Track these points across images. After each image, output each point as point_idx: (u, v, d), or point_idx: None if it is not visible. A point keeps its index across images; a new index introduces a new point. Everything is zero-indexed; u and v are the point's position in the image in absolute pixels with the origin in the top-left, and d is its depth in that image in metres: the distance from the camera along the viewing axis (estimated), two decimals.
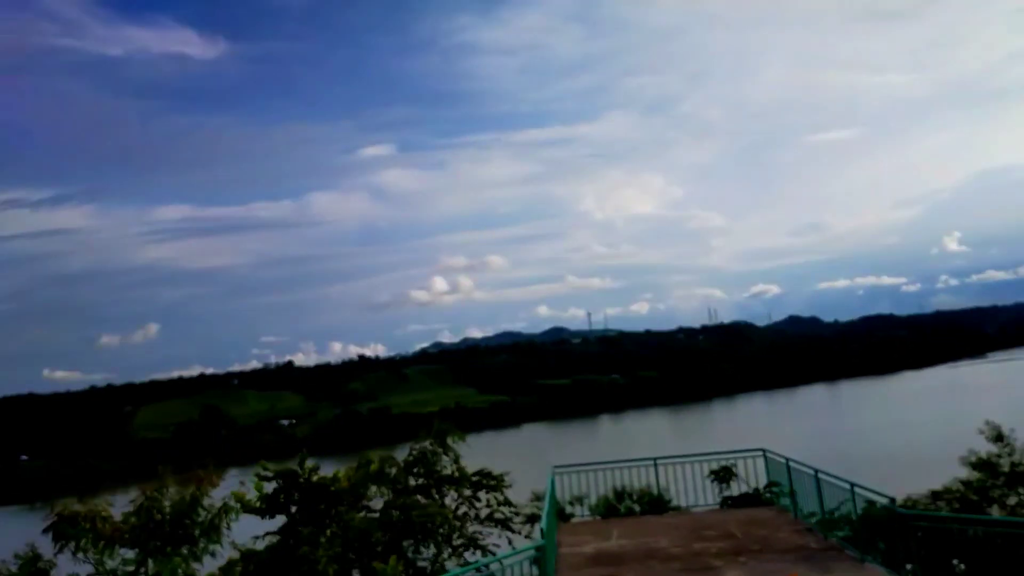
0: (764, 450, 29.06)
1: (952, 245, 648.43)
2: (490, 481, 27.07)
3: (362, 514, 24.72)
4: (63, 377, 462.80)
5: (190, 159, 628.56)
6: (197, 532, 20.23)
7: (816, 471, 23.26)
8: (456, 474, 26.75)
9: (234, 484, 23.47)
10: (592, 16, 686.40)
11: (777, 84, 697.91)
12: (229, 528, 21.43)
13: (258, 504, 22.45)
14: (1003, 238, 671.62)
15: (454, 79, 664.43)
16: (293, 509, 22.63)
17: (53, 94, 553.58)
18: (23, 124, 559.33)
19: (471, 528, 26.37)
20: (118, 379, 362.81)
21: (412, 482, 26.47)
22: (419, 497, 25.77)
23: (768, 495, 29.22)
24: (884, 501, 19.86)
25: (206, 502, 21.66)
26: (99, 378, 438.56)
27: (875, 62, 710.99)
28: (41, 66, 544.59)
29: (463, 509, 26.76)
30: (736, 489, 30.03)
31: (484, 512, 27.01)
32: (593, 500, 31.17)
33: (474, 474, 27.20)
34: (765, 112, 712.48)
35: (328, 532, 20.54)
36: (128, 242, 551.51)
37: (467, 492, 26.94)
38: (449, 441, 27.16)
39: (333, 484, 18.80)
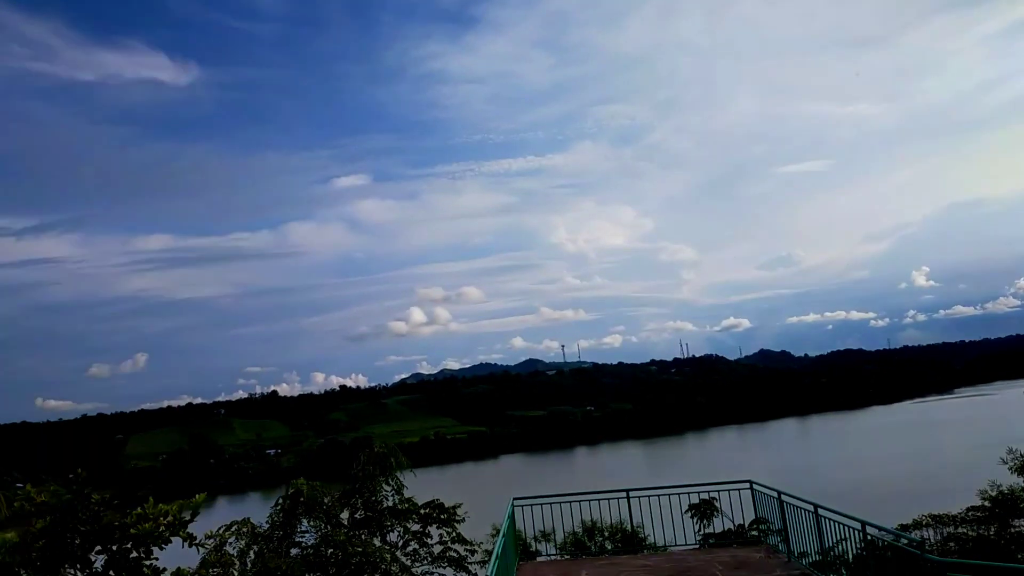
0: (752, 482, 24.96)
1: (921, 280, 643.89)
2: (441, 514, 23.00)
3: (295, 552, 20.69)
4: (55, 406, 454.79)
5: (168, 188, 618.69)
6: None
7: (816, 506, 19.39)
8: (401, 506, 22.64)
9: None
10: (560, 43, 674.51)
11: (747, 114, 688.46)
12: None
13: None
14: (971, 273, 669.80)
15: (425, 108, 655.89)
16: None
17: (29, 120, 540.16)
18: (2, 151, 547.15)
19: (420, 569, 22.32)
20: (109, 408, 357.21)
21: (351, 515, 22.41)
22: (361, 532, 21.72)
23: (755, 532, 25.31)
24: (889, 537, 16.87)
25: None
26: (90, 407, 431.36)
27: (845, 92, 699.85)
28: (15, 90, 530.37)
29: (412, 546, 22.70)
30: (720, 525, 26.17)
31: (437, 549, 22.98)
32: (561, 536, 27.09)
33: (423, 505, 23.21)
34: (735, 143, 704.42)
35: None
36: (113, 272, 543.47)
37: (415, 526, 22.89)
38: (396, 472, 23.04)
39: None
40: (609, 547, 27.97)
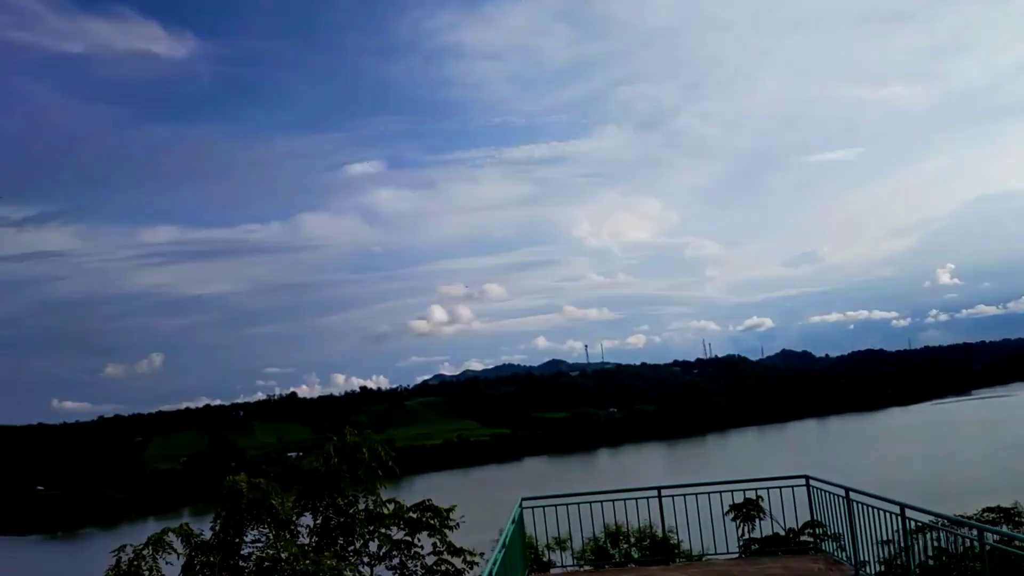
0: (808, 477, 20.49)
1: (945, 278, 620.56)
2: (432, 518, 18.58)
3: (245, 566, 16.36)
4: (72, 408, 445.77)
5: (172, 174, 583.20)
6: None
7: (903, 506, 15.10)
8: (378, 509, 18.20)
9: None
10: (581, 14, 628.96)
11: (776, 97, 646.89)
12: None
13: None
14: (995, 271, 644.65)
15: (441, 86, 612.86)
16: None
17: (20, 97, 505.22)
18: None
19: None
20: (126, 410, 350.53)
21: (321, 522, 18.00)
22: (331, 541, 17.34)
23: (808, 537, 21.02)
24: None
25: None
26: (108, 409, 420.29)
27: (878, 73, 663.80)
28: (2, 64, 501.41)
29: (396, 557, 18.31)
30: (768, 528, 21.84)
31: (430, 560, 18.63)
32: (579, 543, 22.76)
33: (412, 507, 18.85)
34: (763, 129, 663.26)
35: None
36: (120, 266, 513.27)
37: (400, 534, 18.50)
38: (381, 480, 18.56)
39: None
40: (636, 555, 23.84)
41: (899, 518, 15.42)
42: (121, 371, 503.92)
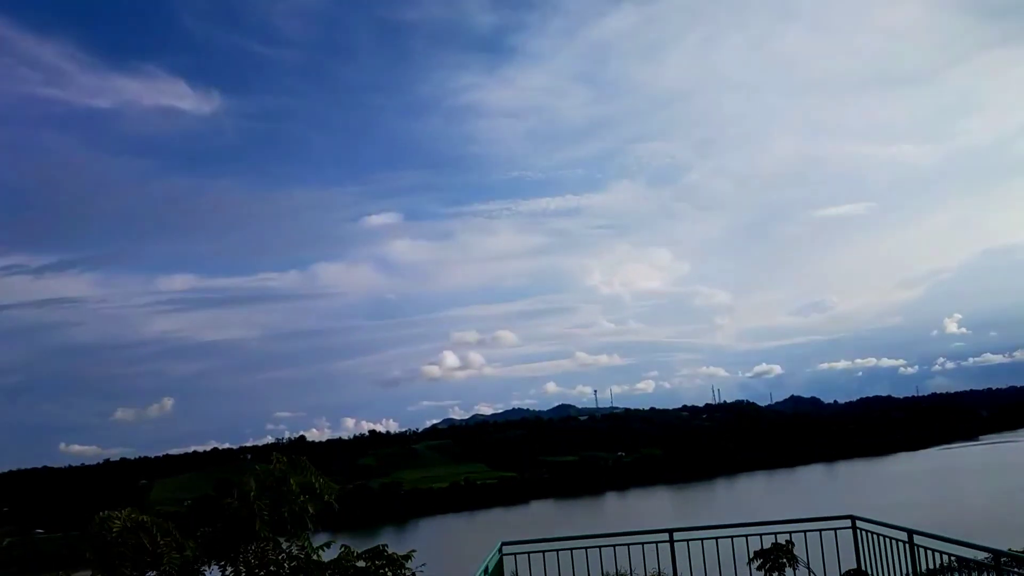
0: (855, 517, 16.49)
1: (952, 327, 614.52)
2: (383, 567, 14.59)
3: None
4: (79, 451, 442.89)
5: (193, 225, 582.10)
6: None
7: (998, 554, 11.10)
8: (313, 557, 14.22)
9: None
10: (599, 77, 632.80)
11: (787, 154, 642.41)
12: None
13: None
14: (1002, 321, 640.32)
15: (460, 143, 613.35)
16: None
17: (44, 150, 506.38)
18: (17, 183, 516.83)
19: None
20: (133, 453, 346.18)
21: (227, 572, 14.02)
22: None
23: None
24: None
25: None
26: (115, 452, 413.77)
27: (888, 132, 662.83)
28: (28, 117, 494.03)
29: None
30: None
31: None
32: None
33: (362, 554, 14.90)
34: (773, 184, 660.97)
35: None
36: (136, 312, 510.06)
37: None
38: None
39: None
40: None
41: (993, 571, 11.48)
42: (131, 415, 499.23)
